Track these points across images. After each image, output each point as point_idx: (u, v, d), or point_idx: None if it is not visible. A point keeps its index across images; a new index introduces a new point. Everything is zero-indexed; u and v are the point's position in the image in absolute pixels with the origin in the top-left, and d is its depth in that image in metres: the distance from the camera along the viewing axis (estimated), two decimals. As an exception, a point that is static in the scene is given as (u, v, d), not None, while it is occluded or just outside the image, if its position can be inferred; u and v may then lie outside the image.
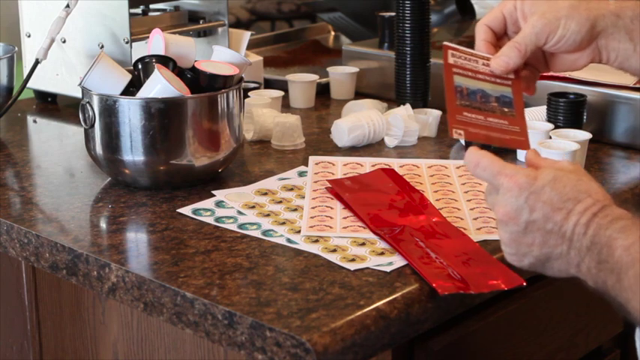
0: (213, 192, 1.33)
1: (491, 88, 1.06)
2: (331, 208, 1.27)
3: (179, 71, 1.37)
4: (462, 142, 1.46)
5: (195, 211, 1.27)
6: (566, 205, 0.94)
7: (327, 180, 1.34)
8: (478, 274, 1.08)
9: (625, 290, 0.89)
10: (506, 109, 1.05)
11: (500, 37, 1.14)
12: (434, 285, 1.05)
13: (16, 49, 1.69)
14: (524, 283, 1.07)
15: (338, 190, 1.30)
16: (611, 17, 1.07)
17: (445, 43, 1.11)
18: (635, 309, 0.89)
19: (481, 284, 1.06)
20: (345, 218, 1.24)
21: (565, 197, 0.95)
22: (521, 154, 1.45)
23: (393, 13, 1.75)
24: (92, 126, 1.34)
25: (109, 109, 1.32)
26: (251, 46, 1.97)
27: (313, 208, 1.27)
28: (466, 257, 1.12)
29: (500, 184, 0.98)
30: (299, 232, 1.20)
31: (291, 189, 1.34)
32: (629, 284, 0.88)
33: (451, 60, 1.09)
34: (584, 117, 1.50)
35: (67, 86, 1.74)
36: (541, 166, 0.99)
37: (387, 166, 1.41)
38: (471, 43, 1.96)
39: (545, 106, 1.51)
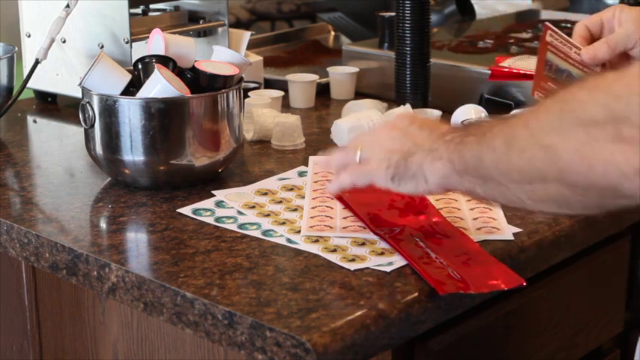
0: (213, 192, 1.33)
1: (577, 73, 1.16)
2: (331, 208, 1.27)
3: (179, 71, 1.37)
4: None
5: (195, 211, 1.27)
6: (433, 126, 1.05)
7: (327, 180, 1.34)
8: (478, 274, 1.08)
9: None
10: None
11: (595, 39, 1.21)
12: (434, 285, 1.05)
13: (16, 49, 1.69)
14: (525, 283, 1.07)
15: (338, 190, 1.30)
16: None
17: (547, 23, 1.21)
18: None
19: (481, 284, 1.06)
20: (345, 218, 1.23)
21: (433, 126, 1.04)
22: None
23: (393, 13, 1.75)
24: (92, 126, 1.34)
25: (109, 109, 1.32)
26: (251, 46, 1.97)
27: (313, 208, 1.27)
28: (466, 257, 1.12)
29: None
30: (299, 232, 1.20)
31: (291, 189, 1.34)
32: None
33: (548, 39, 1.18)
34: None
35: (67, 86, 1.74)
36: None
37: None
38: (472, 43, 1.96)
39: (545, 106, 1.51)
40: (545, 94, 1.14)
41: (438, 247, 1.14)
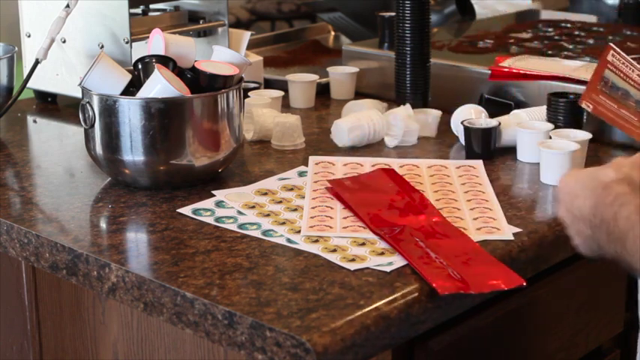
0: (213, 192, 1.33)
1: (635, 92, 1.18)
2: (331, 208, 1.27)
3: (179, 71, 1.37)
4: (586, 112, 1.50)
5: (195, 211, 1.27)
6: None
7: (327, 180, 1.34)
8: (478, 274, 1.08)
9: (629, 254, 0.96)
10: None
11: None
12: (434, 285, 1.05)
13: (16, 49, 1.69)
14: (525, 283, 1.07)
15: (338, 190, 1.30)
16: None
17: (611, 44, 1.25)
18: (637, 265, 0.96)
19: (481, 284, 1.06)
20: (345, 218, 1.23)
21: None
22: (521, 154, 1.46)
23: (393, 13, 1.75)
24: (92, 126, 1.34)
25: (109, 109, 1.32)
26: (251, 46, 1.97)
27: (313, 208, 1.27)
28: (466, 257, 1.12)
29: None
30: (299, 232, 1.20)
31: (291, 189, 1.34)
32: (630, 247, 0.96)
33: (610, 58, 1.23)
34: (584, 117, 1.50)
35: (67, 86, 1.74)
36: None
37: (387, 166, 1.41)
38: (472, 43, 1.96)
39: (545, 106, 1.51)
40: (594, 106, 1.21)
41: (438, 247, 1.14)
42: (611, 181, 1.01)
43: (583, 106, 1.25)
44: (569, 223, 1.05)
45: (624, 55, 1.24)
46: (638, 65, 1.23)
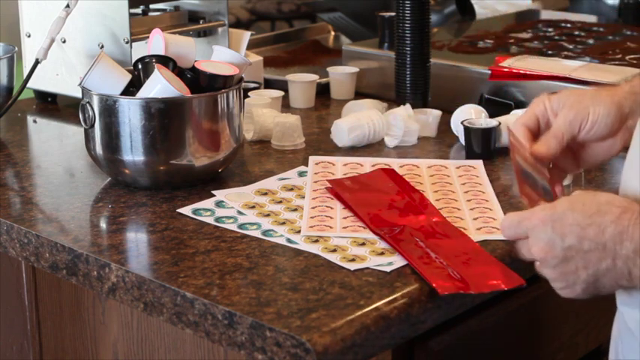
0: (213, 192, 1.33)
1: (538, 178, 1.12)
2: (331, 208, 1.27)
3: (179, 71, 1.37)
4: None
5: (195, 211, 1.27)
6: (594, 220, 0.94)
7: (327, 180, 1.34)
8: (478, 274, 1.08)
9: None
10: (548, 200, 1.09)
11: (536, 137, 1.16)
12: (434, 285, 1.05)
13: (16, 49, 1.69)
14: (525, 283, 1.07)
15: (338, 190, 1.30)
16: (631, 97, 1.12)
17: (509, 127, 1.17)
18: None
19: (481, 284, 1.06)
20: (345, 218, 1.23)
21: (589, 213, 0.95)
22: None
23: (393, 13, 1.75)
24: (92, 126, 1.34)
25: (109, 109, 1.32)
26: (251, 46, 1.97)
27: (313, 208, 1.27)
28: (466, 257, 1.12)
29: (524, 229, 0.99)
30: (299, 232, 1.20)
31: (291, 189, 1.34)
32: None
33: (513, 142, 1.15)
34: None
35: (67, 86, 1.74)
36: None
37: (387, 166, 1.41)
38: (472, 43, 1.96)
39: (545, 106, 1.51)
40: (527, 200, 1.12)
41: (438, 247, 1.14)
42: (606, 201, 0.95)
43: (522, 199, 1.15)
44: (557, 268, 0.97)
45: (518, 139, 1.14)
46: (525, 145, 1.14)
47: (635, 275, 0.93)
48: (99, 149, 1.34)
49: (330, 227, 1.21)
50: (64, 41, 1.71)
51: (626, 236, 0.93)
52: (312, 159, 1.45)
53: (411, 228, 1.19)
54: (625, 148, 1.11)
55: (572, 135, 1.12)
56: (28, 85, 1.66)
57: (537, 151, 1.12)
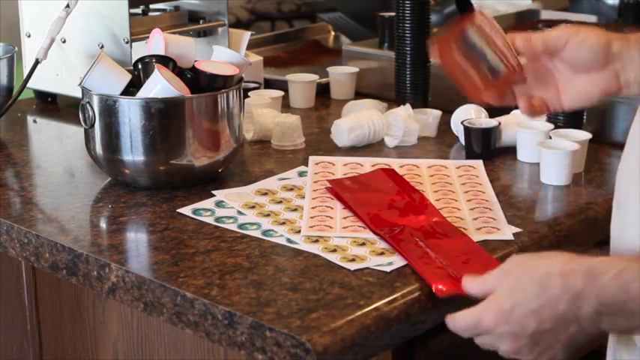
0: (213, 192, 1.33)
1: (492, 57, 1.11)
2: (331, 208, 1.27)
3: (179, 71, 1.37)
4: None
5: (195, 211, 1.27)
6: (544, 300, 0.95)
7: (327, 180, 1.34)
8: (478, 275, 1.07)
9: (636, 319, 0.92)
10: (490, 76, 1.09)
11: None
12: (433, 286, 1.05)
13: (16, 49, 1.69)
14: None
15: (338, 190, 1.30)
16: (622, 41, 1.10)
17: (480, 10, 1.17)
18: None
19: None
20: (345, 218, 1.23)
21: (535, 295, 0.95)
22: (521, 154, 1.46)
23: (393, 13, 1.75)
24: (92, 126, 1.34)
25: (109, 109, 1.32)
26: (251, 46, 1.97)
27: (313, 208, 1.27)
28: (466, 257, 1.12)
29: (483, 329, 0.99)
30: (299, 232, 1.20)
31: (291, 189, 1.34)
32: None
33: (478, 20, 1.15)
34: (584, 117, 1.50)
35: (67, 86, 1.74)
36: (487, 285, 1.00)
37: (387, 166, 1.41)
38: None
39: (545, 106, 1.51)
40: (440, 53, 1.12)
41: (437, 247, 1.14)
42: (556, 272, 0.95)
43: (431, 51, 1.16)
44: (532, 351, 0.97)
45: (495, 22, 1.15)
46: (504, 34, 1.15)
47: (605, 328, 0.95)
48: (99, 149, 1.34)
49: (330, 227, 1.21)
50: (64, 41, 1.71)
51: (580, 300, 0.93)
52: (312, 159, 1.45)
53: (411, 228, 1.19)
54: (606, 96, 1.11)
55: (556, 46, 1.11)
56: (28, 85, 1.66)
57: (520, 36, 1.12)
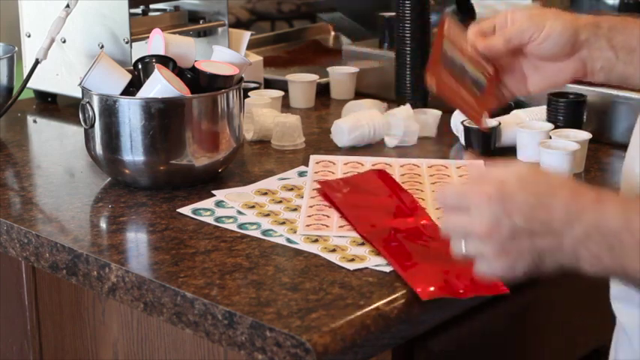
0: (213, 192, 1.33)
1: (472, 70, 1.10)
2: (329, 207, 1.27)
3: (179, 71, 1.37)
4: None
5: (195, 211, 1.27)
6: (545, 201, 0.91)
7: (316, 181, 1.33)
8: (465, 278, 1.06)
9: (624, 255, 0.88)
10: (477, 92, 1.08)
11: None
12: (417, 290, 1.04)
13: (16, 49, 1.69)
14: (507, 291, 1.06)
15: (327, 191, 1.29)
16: (591, 27, 1.09)
17: (446, 12, 1.14)
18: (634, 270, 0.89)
19: (469, 288, 1.05)
20: (341, 217, 1.23)
21: (540, 193, 0.91)
22: (521, 154, 1.46)
23: (393, 13, 1.74)
24: (92, 126, 1.34)
25: (109, 109, 1.32)
26: (251, 46, 1.97)
27: (311, 207, 1.27)
28: (454, 260, 1.11)
29: (469, 203, 0.93)
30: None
31: (291, 189, 1.34)
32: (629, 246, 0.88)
33: (446, 32, 1.13)
34: (584, 117, 1.50)
35: (67, 86, 1.74)
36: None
37: (388, 166, 1.41)
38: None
39: (545, 106, 1.51)
40: (436, 81, 1.09)
41: (425, 250, 1.13)
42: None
43: (428, 81, 1.10)
44: (500, 247, 0.91)
45: (458, 26, 1.12)
46: (468, 37, 1.13)
47: (582, 257, 0.90)
48: (99, 149, 1.34)
49: (327, 226, 1.21)
50: (64, 41, 1.71)
51: (576, 219, 0.89)
52: (312, 158, 1.45)
53: (399, 230, 1.18)
54: (573, 81, 1.10)
55: (520, 42, 1.10)
56: (28, 85, 1.66)
57: (481, 42, 1.10)
